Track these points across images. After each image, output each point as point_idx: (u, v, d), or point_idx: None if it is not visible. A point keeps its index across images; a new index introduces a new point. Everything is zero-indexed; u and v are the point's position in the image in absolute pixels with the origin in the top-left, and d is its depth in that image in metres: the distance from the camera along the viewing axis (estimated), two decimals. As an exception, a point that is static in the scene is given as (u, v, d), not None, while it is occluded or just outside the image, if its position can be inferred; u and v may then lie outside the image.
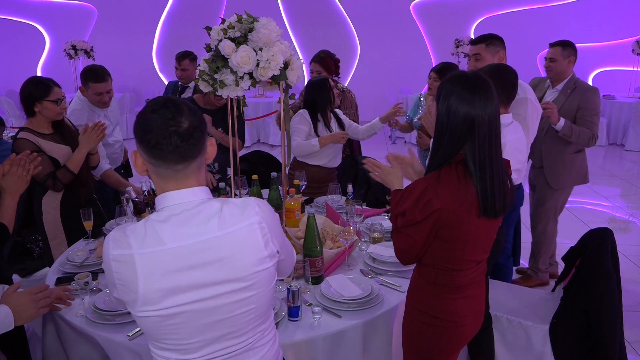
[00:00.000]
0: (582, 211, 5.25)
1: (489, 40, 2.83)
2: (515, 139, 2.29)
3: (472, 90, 1.47)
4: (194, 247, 1.13)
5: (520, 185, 2.80)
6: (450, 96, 1.49)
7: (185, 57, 4.24)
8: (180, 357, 1.19)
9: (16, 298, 1.58)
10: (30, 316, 1.60)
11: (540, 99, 3.34)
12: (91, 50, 8.56)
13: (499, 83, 2.29)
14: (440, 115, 1.52)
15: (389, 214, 2.78)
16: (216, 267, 1.14)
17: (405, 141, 8.53)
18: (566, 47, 3.27)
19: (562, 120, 3.08)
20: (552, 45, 3.32)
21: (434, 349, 1.67)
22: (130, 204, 2.47)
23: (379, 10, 9.87)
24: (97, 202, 2.81)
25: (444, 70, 3.29)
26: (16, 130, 4.16)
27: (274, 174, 2.57)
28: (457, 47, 8.76)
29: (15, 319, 1.55)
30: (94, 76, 3.03)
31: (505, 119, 2.27)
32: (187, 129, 1.12)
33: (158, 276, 1.10)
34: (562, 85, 3.32)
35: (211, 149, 1.22)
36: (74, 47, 8.44)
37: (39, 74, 9.92)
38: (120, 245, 1.12)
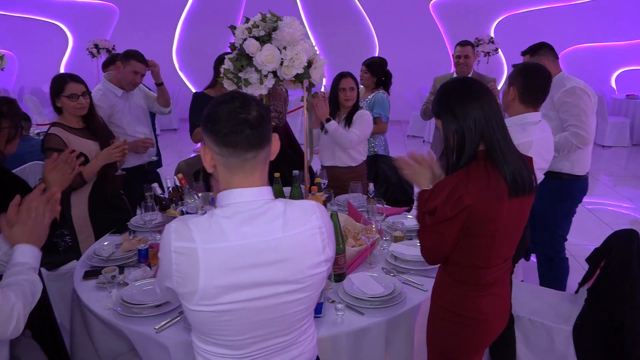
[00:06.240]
0: (604, 213, 5.17)
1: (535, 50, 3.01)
2: (542, 138, 2.30)
3: (475, 93, 1.56)
4: (258, 246, 1.14)
5: (587, 175, 3.02)
6: (456, 105, 1.56)
7: (110, 64, 3.98)
8: (227, 352, 1.21)
9: (19, 232, 1.47)
10: (42, 231, 1.50)
11: None
12: (113, 49, 8.68)
13: (526, 82, 2.29)
14: (450, 125, 1.57)
15: (409, 213, 2.79)
16: (276, 268, 1.15)
17: (424, 140, 8.50)
18: (473, 46, 4.07)
19: None
20: (463, 44, 4.02)
21: (459, 347, 1.67)
22: (155, 199, 2.49)
23: (398, 9, 9.85)
24: (124, 197, 2.86)
25: (373, 65, 3.88)
26: (41, 127, 4.23)
27: (296, 172, 2.59)
28: (477, 45, 8.68)
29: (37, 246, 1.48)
30: (138, 56, 3.29)
31: (533, 117, 2.32)
32: (257, 117, 1.15)
33: (220, 272, 1.11)
34: None
35: (275, 144, 1.24)
36: (96, 46, 8.58)
37: (62, 72, 10.11)
38: (183, 237, 1.13)
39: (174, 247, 1.13)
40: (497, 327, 1.71)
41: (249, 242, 1.14)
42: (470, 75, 3.90)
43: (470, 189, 1.50)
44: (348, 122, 3.24)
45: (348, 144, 3.16)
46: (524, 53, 3.08)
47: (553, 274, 3.12)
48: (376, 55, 10.00)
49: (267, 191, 1.22)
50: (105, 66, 3.98)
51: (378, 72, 3.87)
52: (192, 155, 7.50)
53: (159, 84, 3.61)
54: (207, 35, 9.94)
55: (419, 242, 1.69)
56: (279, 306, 1.19)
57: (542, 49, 2.99)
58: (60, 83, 2.57)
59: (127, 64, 3.25)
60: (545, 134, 2.36)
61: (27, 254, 1.44)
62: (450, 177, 1.56)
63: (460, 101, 1.55)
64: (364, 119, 3.22)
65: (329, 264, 1.26)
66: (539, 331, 2.35)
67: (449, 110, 1.57)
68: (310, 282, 1.21)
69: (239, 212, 1.16)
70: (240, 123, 1.13)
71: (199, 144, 7.77)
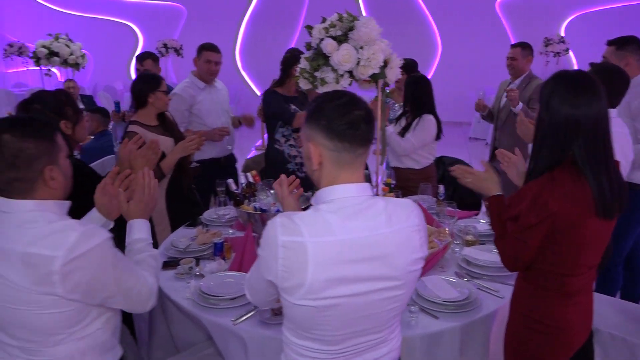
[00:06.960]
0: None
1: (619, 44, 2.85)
2: (620, 132, 2.18)
3: (575, 90, 1.44)
4: (362, 240, 1.16)
5: None
6: (553, 97, 1.46)
7: (148, 58, 4.22)
8: (322, 347, 1.22)
9: (137, 208, 1.63)
10: (154, 205, 1.68)
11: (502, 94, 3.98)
12: (180, 48, 9.01)
13: (604, 85, 2.19)
14: (541, 117, 1.50)
15: (478, 217, 2.72)
16: (379, 263, 1.17)
17: (487, 143, 8.26)
18: (525, 47, 3.90)
19: (520, 105, 3.55)
20: (513, 46, 3.97)
21: (539, 358, 1.61)
22: (229, 194, 2.55)
23: (462, 8, 9.62)
24: (195, 191, 2.97)
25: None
26: (114, 123, 4.56)
27: (366, 171, 2.58)
28: (546, 46, 8.37)
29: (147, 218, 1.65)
30: (207, 46, 3.54)
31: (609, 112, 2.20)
32: (367, 113, 1.19)
33: (327, 266, 1.13)
34: (519, 80, 3.87)
35: None
36: (165, 46, 8.94)
37: (132, 71, 10.61)
38: (290, 232, 1.14)
39: (281, 242, 1.14)
40: (580, 338, 1.64)
41: (355, 237, 1.15)
42: (523, 77, 3.84)
43: (557, 195, 1.44)
44: (407, 127, 3.21)
45: (401, 152, 3.13)
46: (610, 43, 2.90)
47: (606, 286, 2.93)
48: (438, 53, 9.86)
49: (368, 187, 1.24)
50: (141, 61, 4.23)
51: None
52: (253, 153, 7.64)
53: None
54: (270, 35, 10.12)
55: (497, 250, 1.64)
56: (378, 302, 1.20)
57: (631, 44, 2.79)
58: (157, 79, 2.78)
59: (200, 56, 3.52)
60: (624, 130, 2.24)
61: (143, 229, 1.60)
62: (533, 182, 1.50)
63: (558, 94, 1.45)
64: (423, 126, 3.16)
65: (423, 263, 1.27)
66: (620, 347, 2.23)
67: (544, 100, 1.49)
68: (408, 279, 1.23)
69: (344, 207, 1.18)
70: (357, 119, 1.17)
71: (259, 141, 7.93)
